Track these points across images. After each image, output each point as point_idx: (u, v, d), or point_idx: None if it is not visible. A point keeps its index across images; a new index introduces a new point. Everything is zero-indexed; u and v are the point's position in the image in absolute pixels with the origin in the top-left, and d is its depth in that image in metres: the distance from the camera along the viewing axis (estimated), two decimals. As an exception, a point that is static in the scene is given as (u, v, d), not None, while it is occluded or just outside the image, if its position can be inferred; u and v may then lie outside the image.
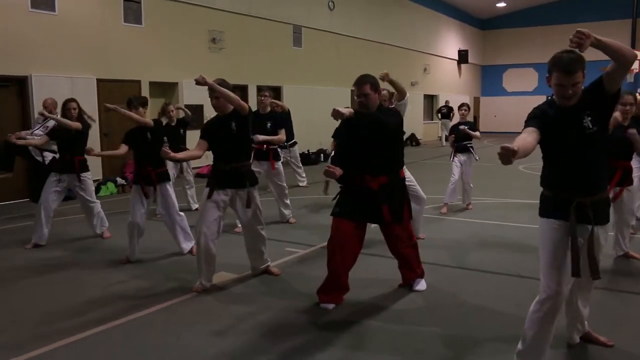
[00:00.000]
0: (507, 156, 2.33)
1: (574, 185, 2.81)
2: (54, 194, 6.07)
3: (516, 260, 5.23)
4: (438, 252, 5.52)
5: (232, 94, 4.31)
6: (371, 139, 3.98)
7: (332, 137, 6.80)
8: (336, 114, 3.62)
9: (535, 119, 2.82)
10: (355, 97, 4.05)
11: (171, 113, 7.92)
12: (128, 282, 4.74)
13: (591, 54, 2.52)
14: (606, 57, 2.59)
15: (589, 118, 2.75)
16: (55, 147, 7.65)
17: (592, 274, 2.87)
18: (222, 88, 4.27)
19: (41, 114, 6.57)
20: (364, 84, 3.97)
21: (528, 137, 2.67)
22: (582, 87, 2.76)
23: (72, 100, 6.10)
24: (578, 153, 2.79)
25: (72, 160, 6.07)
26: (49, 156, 8.21)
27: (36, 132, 7.57)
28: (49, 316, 3.97)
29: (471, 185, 7.93)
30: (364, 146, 4.02)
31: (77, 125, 5.98)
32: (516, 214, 7.43)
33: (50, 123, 7.55)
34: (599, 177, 2.87)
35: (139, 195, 5.31)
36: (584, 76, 2.71)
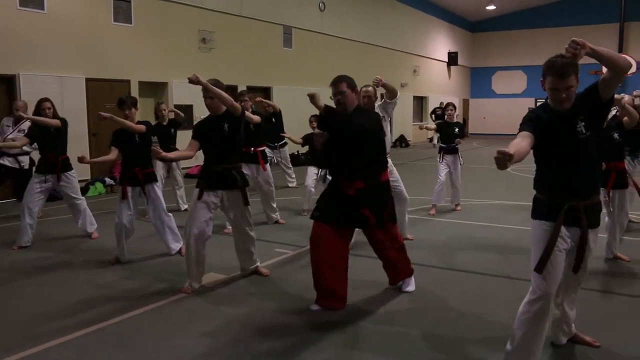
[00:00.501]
0: (504, 160, 2.35)
1: (567, 189, 2.84)
2: (38, 194, 6.01)
3: (505, 261, 5.26)
4: (426, 253, 5.54)
5: (225, 95, 4.29)
6: (343, 141, 3.91)
7: (303, 140, 7.29)
8: (314, 96, 3.65)
9: (529, 122, 2.84)
10: (332, 97, 3.99)
11: (163, 112, 7.91)
12: (117, 283, 4.71)
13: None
14: (595, 61, 2.62)
15: (583, 123, 2.79)
16: (27, 149, 7.61)
17: (574, 270, 2.93)
18: (215, 88, 4.25)
19: (19, 116, 6.50)
20: (340, 82, 3.94)
21: (522, 142, 2.70)
22: (577, 92, 2.79)
23: (46, 99, 6.01)
24: (571, 157, 2.83)
25: (56, 160, 6.02)
26: (25, 160, 8.14)
27: (10, 137, 7.48)
28: (39, 317, 3.93)
29: (458, 187, 7.93)
30: (337, 148, 3.96)
31: (56, 122, 5.92)
32: (504, 216, 7.47)
33: (25, 125, 7.47)
34: (592, 182, 2.91)
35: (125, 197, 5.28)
36: (577, 80, 2.74)
